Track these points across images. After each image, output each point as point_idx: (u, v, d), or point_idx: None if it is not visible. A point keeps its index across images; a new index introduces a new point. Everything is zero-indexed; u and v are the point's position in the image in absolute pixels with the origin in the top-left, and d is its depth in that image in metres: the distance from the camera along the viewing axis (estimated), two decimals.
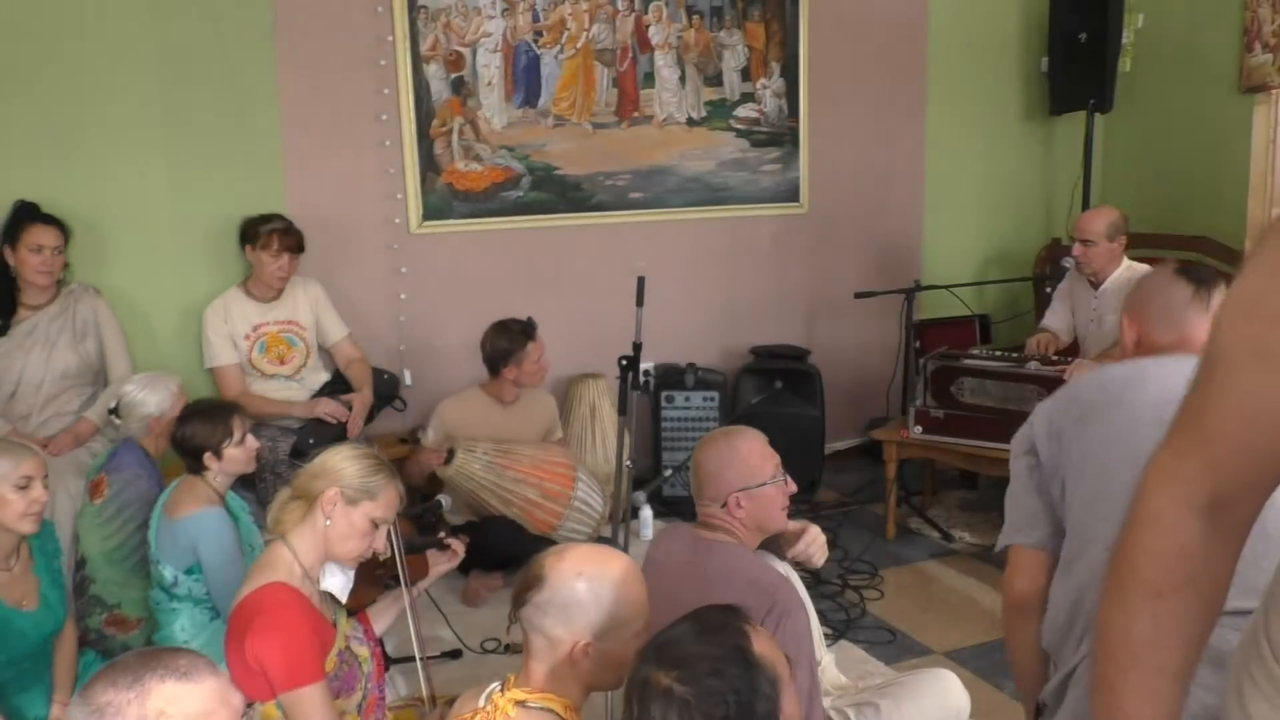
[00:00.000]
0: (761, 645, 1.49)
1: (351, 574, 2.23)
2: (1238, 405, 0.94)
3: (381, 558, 2.47)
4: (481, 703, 1.75)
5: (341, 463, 2.17)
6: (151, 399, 3.19)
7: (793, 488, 2.32)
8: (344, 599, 2.24)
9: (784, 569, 2.39)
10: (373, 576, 2.57)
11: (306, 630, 2.04)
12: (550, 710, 1.70)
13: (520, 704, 1.71)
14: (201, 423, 2.88)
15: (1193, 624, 1.00)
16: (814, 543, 2.43)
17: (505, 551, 3.70)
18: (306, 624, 2.05)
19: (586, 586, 1.70)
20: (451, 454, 3.74)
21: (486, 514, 3.78)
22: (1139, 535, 1.00)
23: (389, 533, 2.32)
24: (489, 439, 3.85)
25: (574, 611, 1.70)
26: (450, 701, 2.54)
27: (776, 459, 2.29)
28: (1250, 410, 0.93)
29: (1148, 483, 1.01)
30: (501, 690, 1.75)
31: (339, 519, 2.13)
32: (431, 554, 2.67)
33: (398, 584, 2.47)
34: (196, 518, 2.80)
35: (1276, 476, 0.96)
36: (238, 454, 2.89)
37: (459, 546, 2.71)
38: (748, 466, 2.24)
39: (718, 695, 1.42)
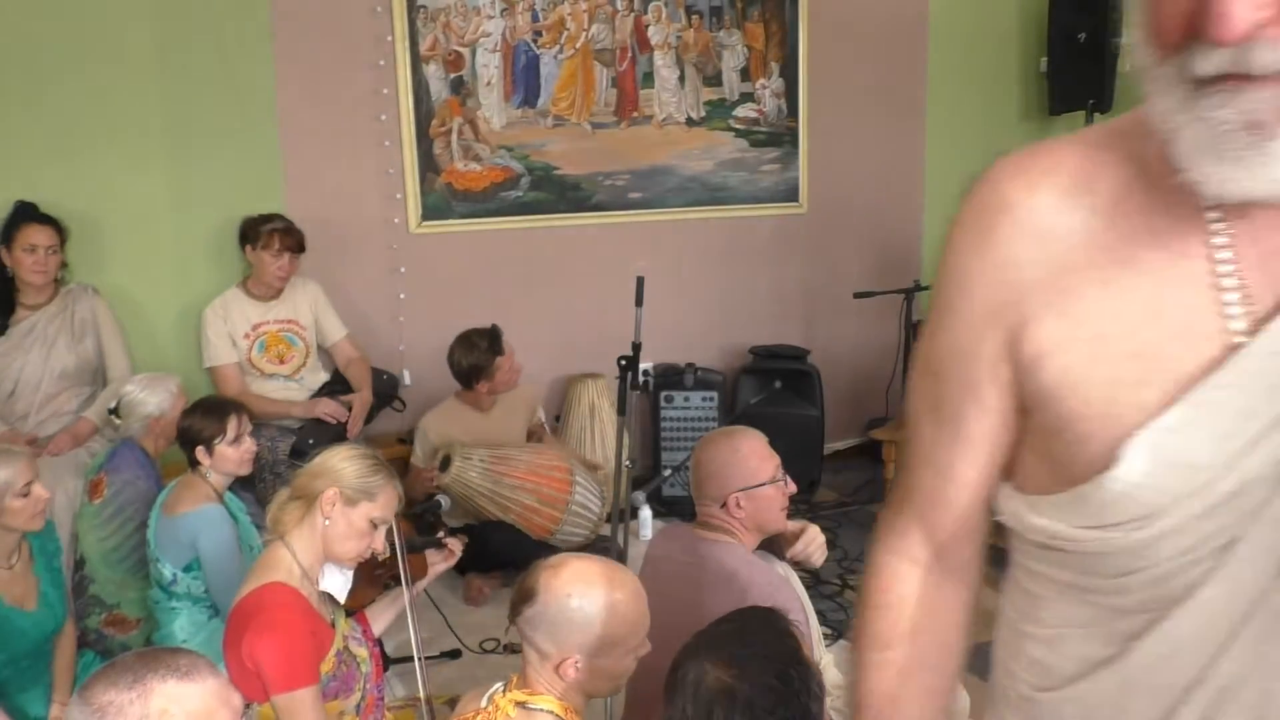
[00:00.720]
0: (807, 649, 1.48)
1: (350, 574, 2.23)
2: (925, 456, 0.98)
3: (380, 558, 2.47)
4: (484, 703, 1.76)
5: (340, 463, 2.16)
6: (152, 399, 3.19)
7: (792, 488, 2.32)
8: (343, 599, 2.23)
9: (783, 569, 2.39)
10: (371, 576, 2.57)
11: (303, 632, 2.04)
12: (551, 712, 1.70)
13: (521, 705, 1.71)
14: (200, 416, 2.90)
15: (926, 674, 1.02)
16: (813, 543, 2.42)
17: (504, 556, 3.70)
18: (304, 626, 2.05)
19: (577, 606, 1.69)
20: (448, 460, 3.72)
21: (484, 519, 3.77)
22: (865, 590, 1.04)
23: (389, 532, 2.32)
24: (481, 444, 3.84)
25: (564, 630, 1.69)
26: (449, 702, 2.55)
27: (776, 460, 2.29)
28: (935, 460, 0.97)
29: (875, 539, 1.04)
30: (503, 691, 1.75)
31: (338, 519, 2.13)
32: (430, 553, 2.67)
33: (397, 584, 2.46)
34: (196, 513, 2.80)
35: (979, 520, 1.00)
36: (229, 453, 2.89)
37: (456, 546, 2.71)
38: (748, 467, 2.23)
39: (780, 694, 1.40)
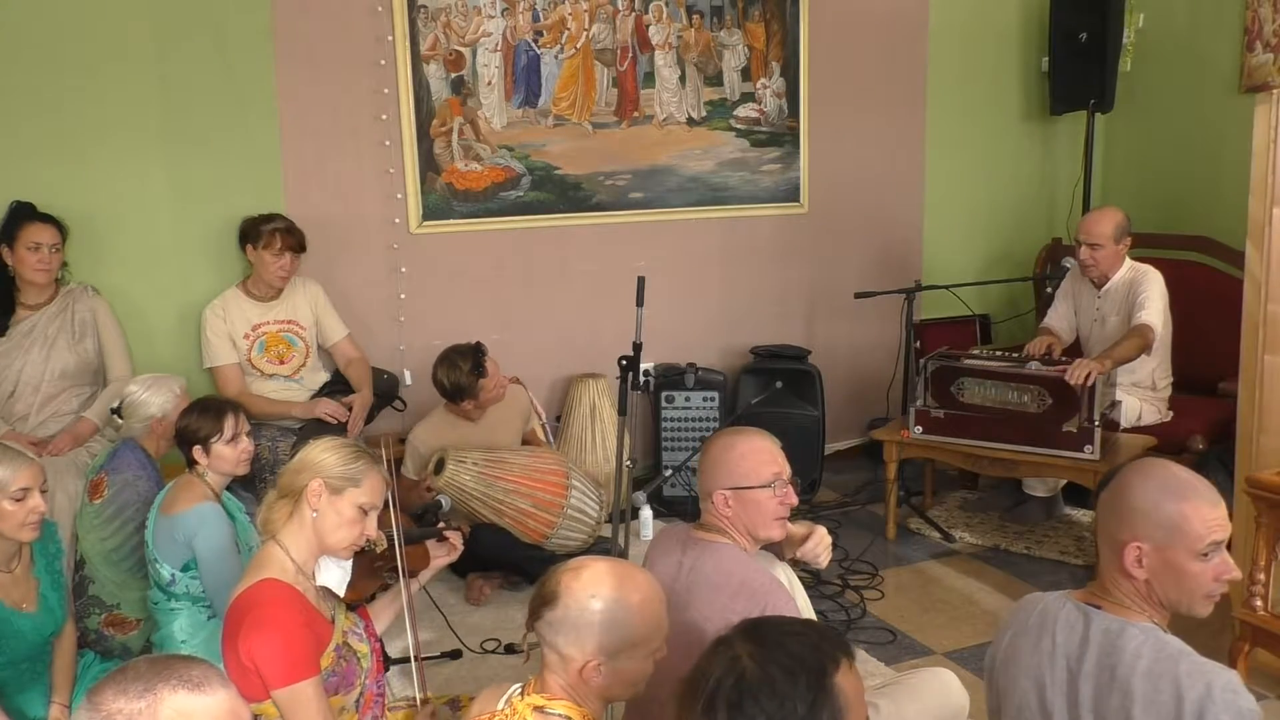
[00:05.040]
0: (846, 681, 1.42)
1: (348, 566, 2.21)
2: None
3: (379, 549, 2.46)
4: (500, 705, 1.75)
5: (321, 454, 2.15)
6: (155, 400, 3.19)
7: (793, 500, 2.25)
8: (341, 593, 2.22)
9: (783, 573, 2.38)
10: (371, 568, 2.56)
11: (299, 626, 2.03)
12: (567, 718, 1.69)
13: (539, 709, 1.70)
14: (197, 416, 2.89)
15: None
16: (820, 543, 2.41)
17: (496, 558, 3.68)
18: (300, 619, 2.04)
19: (600, 608, 1.69)
20: (441, 464, 3.69)
21: (478, 522, 3.75)
22: None
23: (391, 525, 2.31)
24: (476, 449, 3.81)
25: (586, 632, 1.68)
26: (449, 702, 2.54)
27: (780, 467, 2.23)
28: None
29: None
30: (521, 694, 1.75)
31: (326, 510, 2.12)
32: (431, 545, 2.65)
33: (397, 577, 2.45)
34: (193, 512, 2.79)
35: None
36: (226, 452, 2.88)
37: (457, 539, 2.68)
38: (741, 466, 2.20)
39: (776, 693, 1.36)
